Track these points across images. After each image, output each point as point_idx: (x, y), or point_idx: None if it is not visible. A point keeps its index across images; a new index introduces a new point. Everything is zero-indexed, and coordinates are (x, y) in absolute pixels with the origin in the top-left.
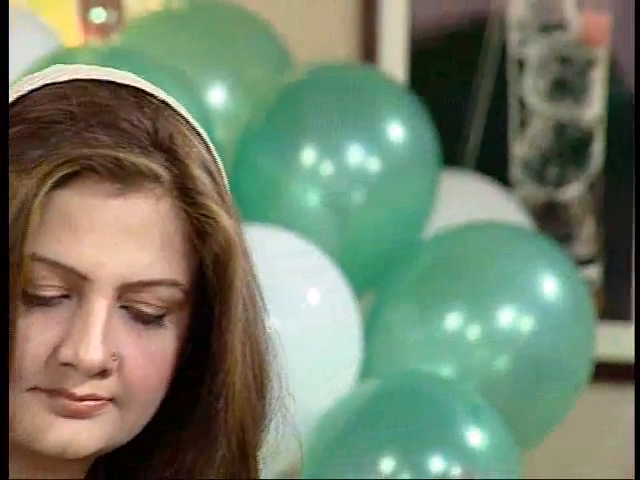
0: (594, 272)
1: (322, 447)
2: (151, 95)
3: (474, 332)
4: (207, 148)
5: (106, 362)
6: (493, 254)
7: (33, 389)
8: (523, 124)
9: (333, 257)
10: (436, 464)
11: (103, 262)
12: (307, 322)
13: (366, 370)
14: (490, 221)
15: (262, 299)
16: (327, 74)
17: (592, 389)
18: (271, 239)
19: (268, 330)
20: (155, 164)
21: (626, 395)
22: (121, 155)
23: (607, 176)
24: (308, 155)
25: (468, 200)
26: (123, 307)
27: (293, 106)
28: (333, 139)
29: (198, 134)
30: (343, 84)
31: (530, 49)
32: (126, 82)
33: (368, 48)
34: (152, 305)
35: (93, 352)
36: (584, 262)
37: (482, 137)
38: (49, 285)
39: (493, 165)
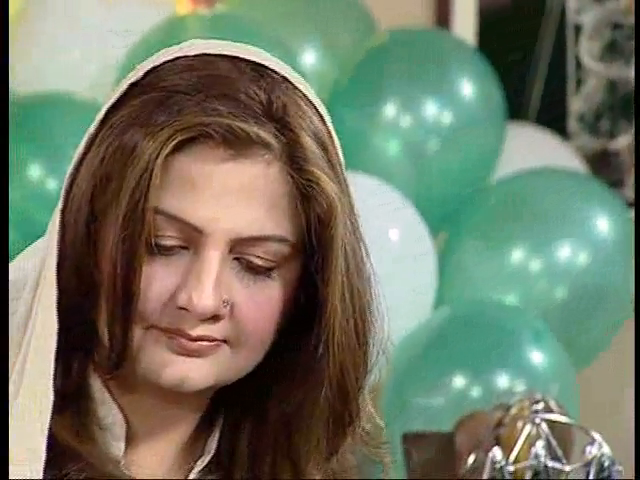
0: None
1: (401, 367)
2: (272, 70)
3: (535, 266)
4: (322, 120)
5: (217, 307)
6: (552, 197)
7: (151, 327)
8: (579, 82)
9: (411, 199)
10: (502, 382)
11: (216, 218)
12: (389, 256)
13: (440, 299)
14: (550, 167)
15: (366, 251)
16: (406, 38)
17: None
18: (356, 184)
19: (372, 281)
20: (266, 133)
21: None
22: (235, 124)
23: None
24: (389, 110)
25: (530, 149)
26: (236, 259)
27: (376, 67)
28: (411, 96)
29: (315, 107)
30: (420, 47)
31: (586, 16)
32: (250, 58)
33: (443, 15)
34: (262, 258)
35: (205, 299)
36: (633, 204)
37: (543, 93)
38: (168, 236)
39: (552, 118)
